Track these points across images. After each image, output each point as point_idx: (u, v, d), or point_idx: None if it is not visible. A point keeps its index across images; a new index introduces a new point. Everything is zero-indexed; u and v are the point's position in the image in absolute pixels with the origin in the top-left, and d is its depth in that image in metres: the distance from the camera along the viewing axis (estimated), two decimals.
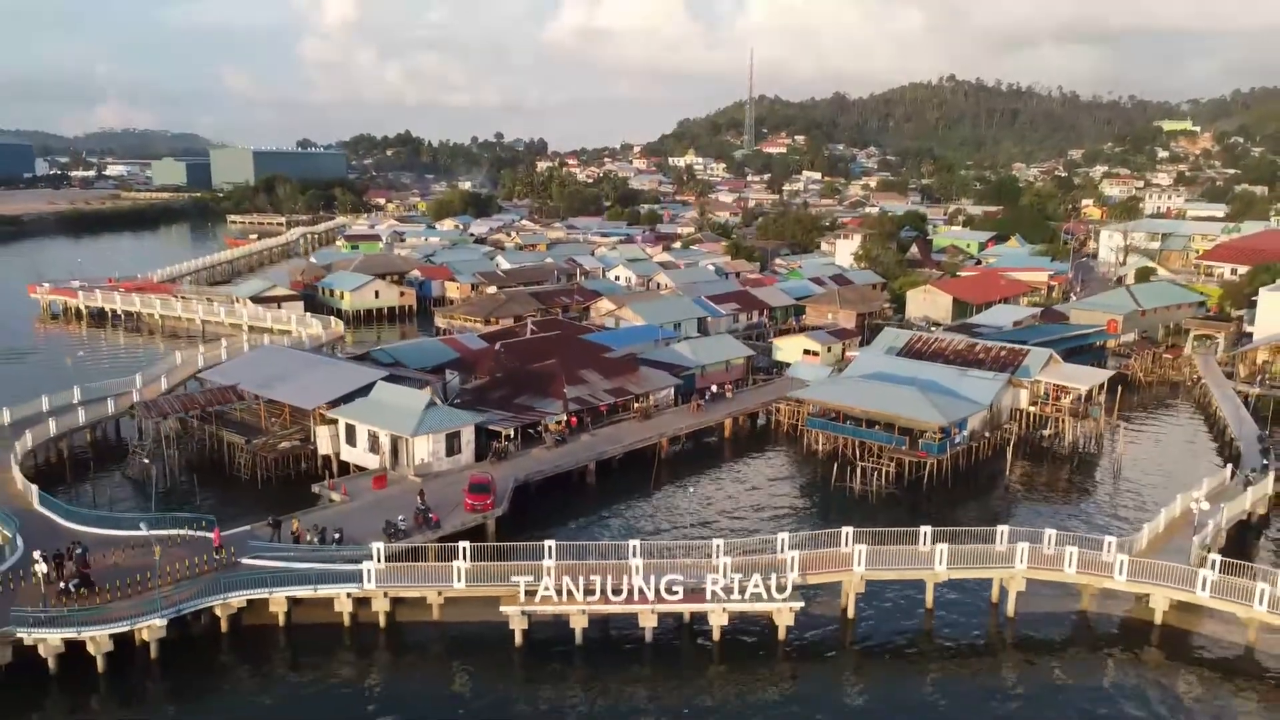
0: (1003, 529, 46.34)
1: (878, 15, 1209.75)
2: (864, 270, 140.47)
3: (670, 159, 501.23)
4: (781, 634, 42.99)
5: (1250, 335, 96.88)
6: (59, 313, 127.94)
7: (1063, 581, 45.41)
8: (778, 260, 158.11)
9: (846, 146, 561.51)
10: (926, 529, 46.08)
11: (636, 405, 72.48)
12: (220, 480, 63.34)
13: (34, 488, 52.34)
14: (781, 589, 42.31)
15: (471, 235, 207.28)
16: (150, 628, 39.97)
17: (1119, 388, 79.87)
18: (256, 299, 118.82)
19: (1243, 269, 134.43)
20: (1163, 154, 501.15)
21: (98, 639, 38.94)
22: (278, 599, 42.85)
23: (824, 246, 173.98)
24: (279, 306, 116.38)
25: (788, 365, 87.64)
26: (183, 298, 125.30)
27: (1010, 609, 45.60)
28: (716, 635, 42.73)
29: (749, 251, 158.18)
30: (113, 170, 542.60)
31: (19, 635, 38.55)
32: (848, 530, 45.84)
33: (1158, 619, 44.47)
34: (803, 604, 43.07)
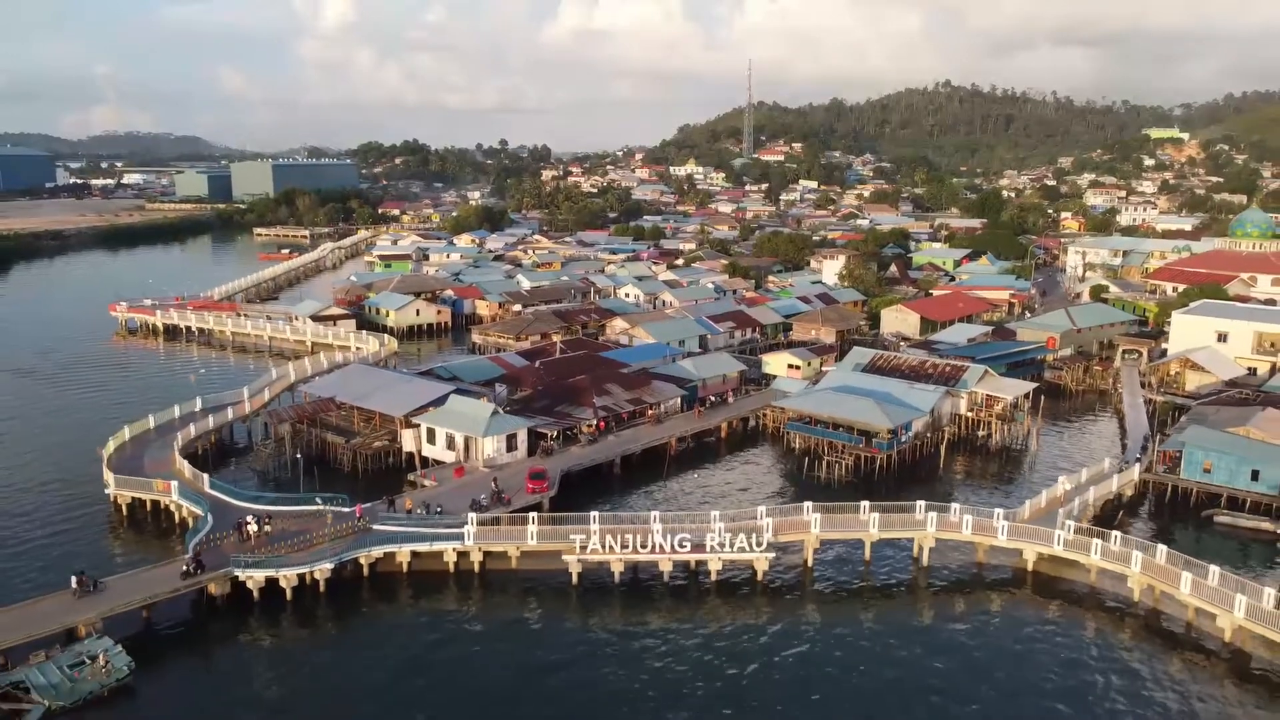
0: (920, 503, 63.93)
1: (875, 18, 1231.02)
2: (847, 288, 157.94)
3: (671, 168, 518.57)
4: (760, 576, 60.66)
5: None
6: (136, 328, 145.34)
7: (962, 540, 63.16)
8: (771, 278, 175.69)
9: (843, 154, 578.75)
10: (865, 503, 63.74)
11: (650, 412, 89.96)
12: (325, 471, 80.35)
13: (205, 475, 69.92)
14: (760, 544, 59.93)
15: (490, 252, 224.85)
16: (320, 570, 57.55)
17: (1042, 396, 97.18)
18: (315, 317, 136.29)
19: (1183, 287, 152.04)
20: (1149, 162, 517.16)
21: (288, 577, 56.56)
22: (403, 552, 60.46)
23: (813, 264, 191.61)
24: (335, 324, 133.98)
25: (775, 377, 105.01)
26: (246, 315, 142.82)
27: (925, 561, 63.29)
28: (714, 577, 60.47)
29: (745, 270, 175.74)
30: (129, 179, 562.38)
31: (236, 574, 56.17)
32: (808, 504, 63.55)
33: (1029, 567, 62.11)
34: (775, 555, 60.81)
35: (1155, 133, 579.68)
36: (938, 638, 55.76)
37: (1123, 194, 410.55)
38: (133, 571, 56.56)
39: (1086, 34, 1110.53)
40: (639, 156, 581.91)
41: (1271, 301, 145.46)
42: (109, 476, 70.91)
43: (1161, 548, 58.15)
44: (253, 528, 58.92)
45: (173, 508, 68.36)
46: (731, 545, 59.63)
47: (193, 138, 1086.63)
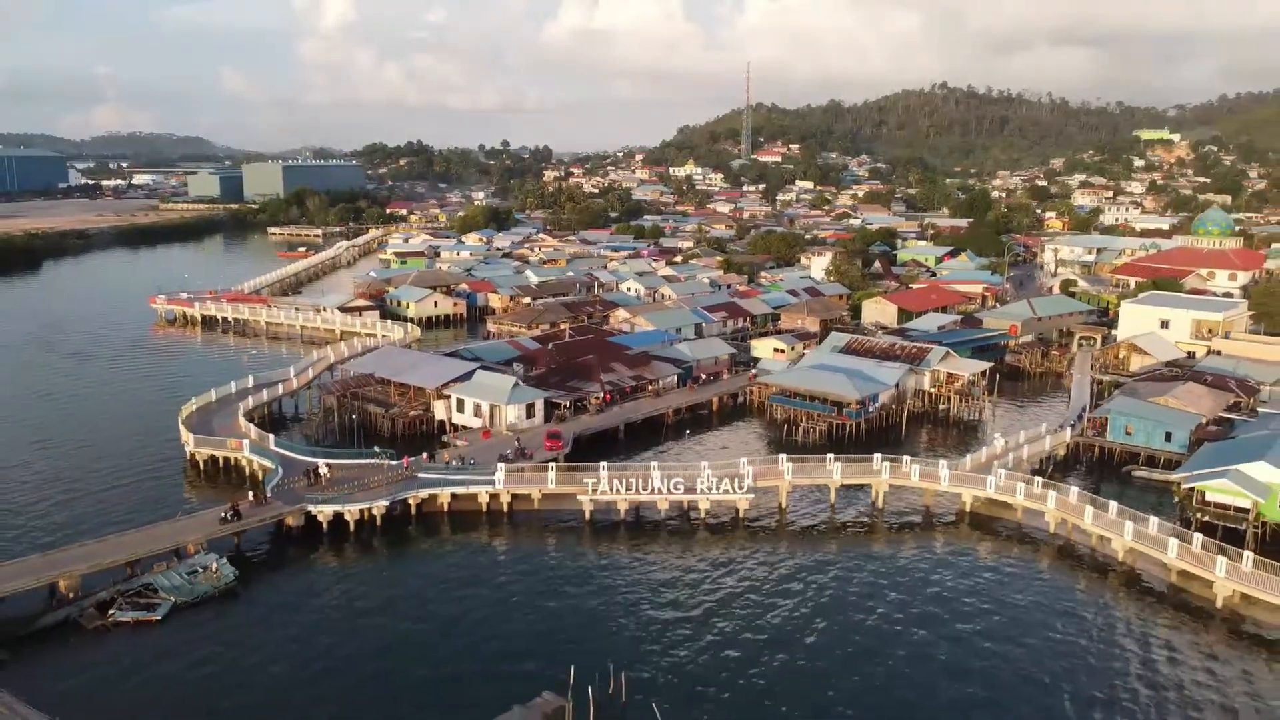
0: (877, 455, 75.93)
1: (874, 18, 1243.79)
2: (833, 283, 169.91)
3: (671, 169, 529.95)
4: (742, 515, 72.72)
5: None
6: (174, 319, 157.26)
7: (911, 486, 75.20)
8: (763, 274, 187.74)
9: (839, 155, 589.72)
10: (830, 455, 75.77)
11: (650, 387, 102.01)
12: (367, 436, 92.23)
13: (270, 435, 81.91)
14: (742, 487, 71.92)
15: (497, 250, 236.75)
16: (378, 507, 69.55)
17: (998, 376, 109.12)
18: (342, 308, 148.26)
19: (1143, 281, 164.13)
20: (1139, 163, 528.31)
21: (351, 512, 68.57)
22: (444, 494, 72.45)
23: (803, 261, 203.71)
24: (360, 315, 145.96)
25: (761, 359, 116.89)
26: (277, 307, 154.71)
27: (881, 504, 75.36)
28: (703, 514, 72.62)
29: (739, 267, 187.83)
30: (138, 179, 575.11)
31: (309, 509, 68.20)
32: (782, 456, 75.61)
33: (968, 508, 74.06)
34: (754, 496, 72.80)
35: (1145, 134, 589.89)
36: (891, 564, 67.39)
37: (1109, 194, 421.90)
38: (215, 508, 68.65)
39: (1086, 34, 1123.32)
40: (639, 157, 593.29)
41: (1229, 294, 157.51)
42: (187, 436, 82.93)
43: (1073, 488, 70.20)
44: (324, 471, 71.09)
45: (243, 462, 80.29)
46: (718, 488, 71.62)
47: (195, 138, 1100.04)
